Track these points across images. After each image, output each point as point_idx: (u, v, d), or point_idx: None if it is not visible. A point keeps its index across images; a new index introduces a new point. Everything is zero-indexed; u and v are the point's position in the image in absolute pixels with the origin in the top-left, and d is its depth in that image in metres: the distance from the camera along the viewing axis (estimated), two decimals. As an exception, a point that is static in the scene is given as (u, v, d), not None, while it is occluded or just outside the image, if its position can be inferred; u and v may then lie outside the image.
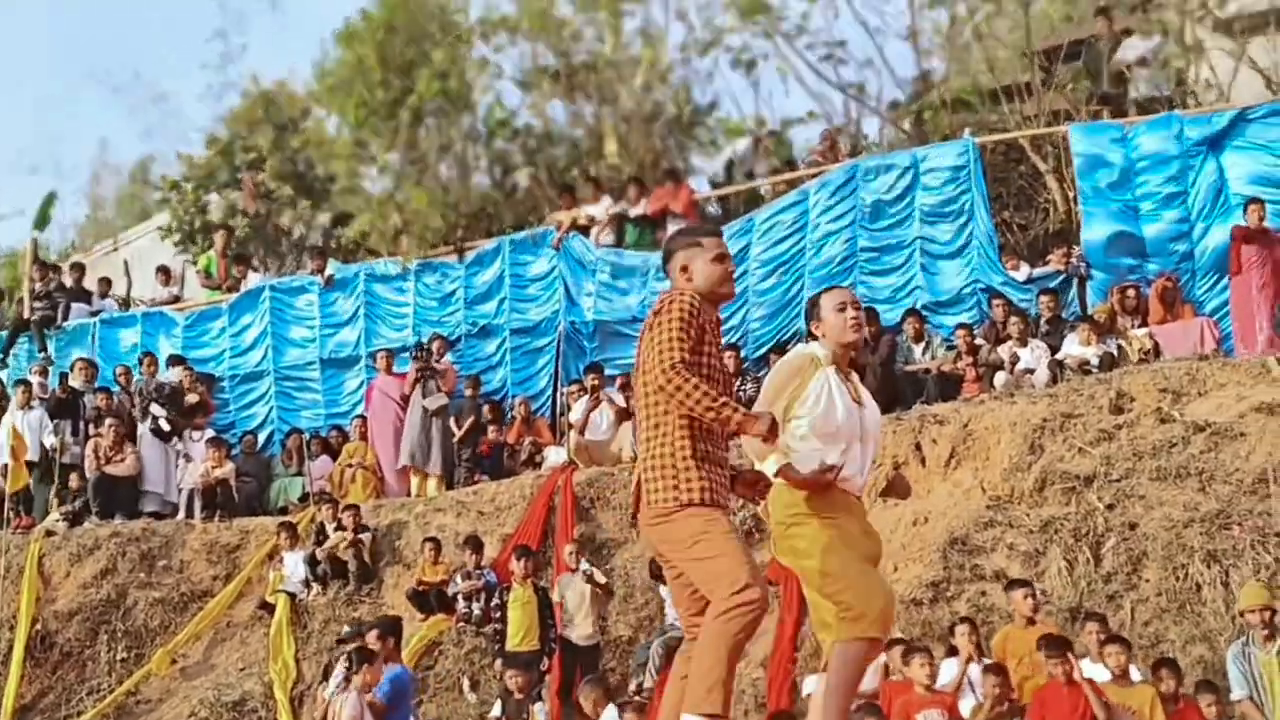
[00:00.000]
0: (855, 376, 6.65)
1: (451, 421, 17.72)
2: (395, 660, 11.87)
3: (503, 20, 21.43)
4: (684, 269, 6.04)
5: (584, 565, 14.15)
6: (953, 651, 11.69)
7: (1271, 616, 10.56)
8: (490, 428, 17.69)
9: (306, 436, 18.94)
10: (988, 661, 11.50)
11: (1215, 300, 16.02)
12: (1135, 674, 10.92)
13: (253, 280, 21.11)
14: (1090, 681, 10.55)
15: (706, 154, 22.25)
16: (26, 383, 19.42)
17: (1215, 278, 16.03)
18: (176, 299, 22.19)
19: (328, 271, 20.17)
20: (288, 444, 19.11)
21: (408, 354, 18.65)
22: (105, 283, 22.93)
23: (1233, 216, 15.84)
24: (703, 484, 5.75)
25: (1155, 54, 18.13)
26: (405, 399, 18.09)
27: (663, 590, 13.76)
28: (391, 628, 12.05)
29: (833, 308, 6.57)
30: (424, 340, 18.59)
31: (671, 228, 18.36)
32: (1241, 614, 10.93)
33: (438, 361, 18.12)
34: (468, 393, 17.96)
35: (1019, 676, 11.15)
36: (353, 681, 11.53)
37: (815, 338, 6.65)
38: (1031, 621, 11.49)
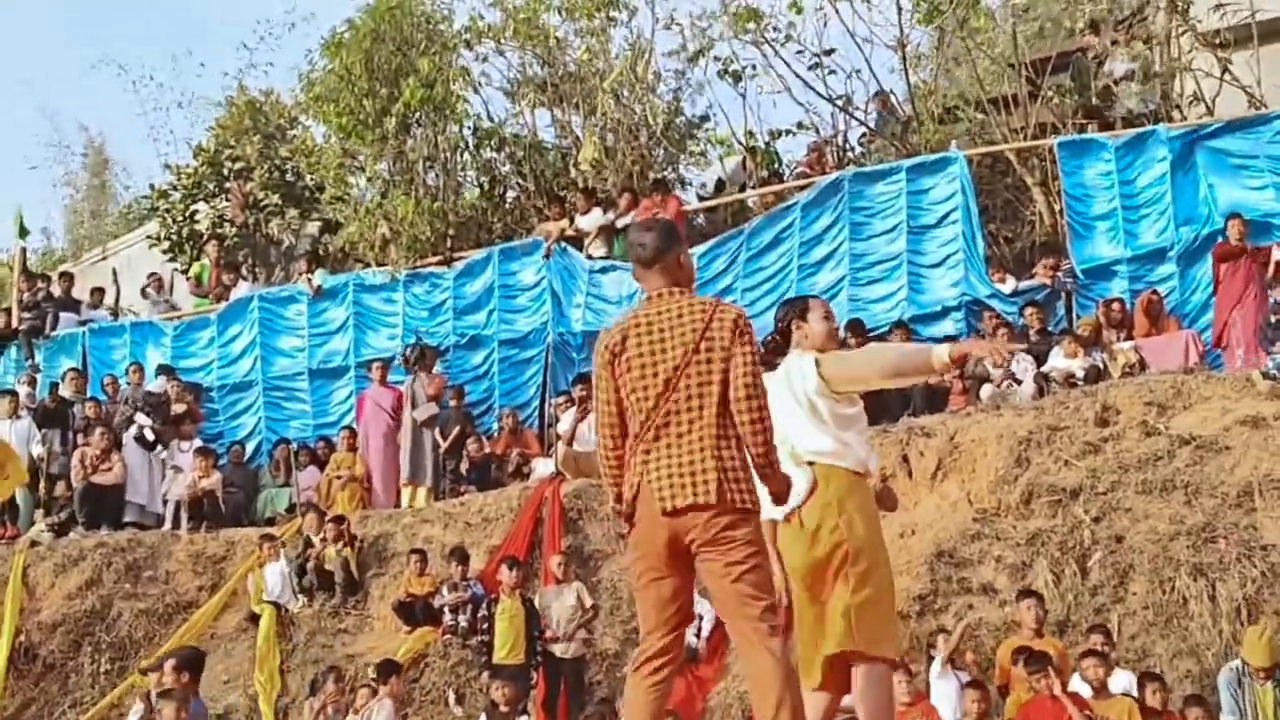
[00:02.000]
0: None
1: (437, 432, 17.72)
2: (193, 694, 11.31)
3: (489, 29, 21.44)
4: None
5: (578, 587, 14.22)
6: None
7: (1276, 669, 10.49)
8: (470, 439, 17.66)
9: (294, 447, 18.90)
10: (967, 676, 11.53)
11: (1204, 314, 16.05)
12: (1119, 684, 10.95)
13: (242, 290, 21.09)
14: (1074, 695, 10.57)
15: (698, 165, 22.26)
16: (14, 393, 19.37)
17: (1199, 292, 16.07)
18: (172, 307, 22.19)
19: (316, 281, 20.14)
20: (275, 455, 19.07)
21: (398, 362, 18.64)
22: (98, 292, 22.90)
23: (1216, 230, 15.90)
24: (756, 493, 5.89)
25: (1141, 68, 18.17)
26: (397, 411, 18.11)
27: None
28: (190, 660, 11.49)
29: (820, 315, 6.75)
30: (415, 341, 18.63)
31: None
32: (1244, 662, 10.88)
33: (430, 362, 18.20)
34: (452, 403, 17.94)
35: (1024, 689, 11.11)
36: (383, 690, 13.19)
37: (784, 335, 6.82)
38: (1039, 634, 11.51)
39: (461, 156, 21.64)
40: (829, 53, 20.65)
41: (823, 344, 6.58)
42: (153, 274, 22.91)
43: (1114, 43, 18.86)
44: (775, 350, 6.83)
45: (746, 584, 5.75)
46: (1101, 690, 10.73)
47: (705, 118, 21.98)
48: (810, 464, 6.42)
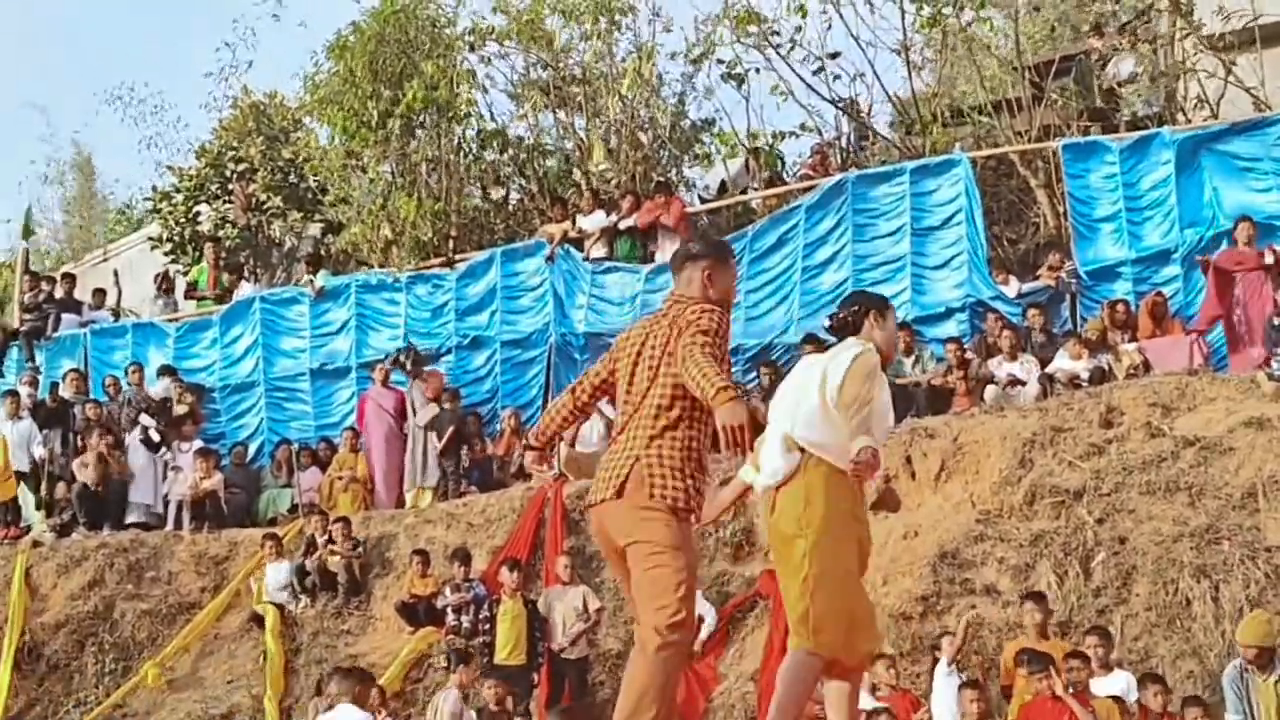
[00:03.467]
0: None
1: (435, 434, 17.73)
2: None
3: (492, 30, 21.44)
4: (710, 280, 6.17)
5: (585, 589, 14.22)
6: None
7: (1270, 655, 10.44)
8: (474, 440, 17.65)
9: (296, 448, 18.88)
10: (965, 676, 11.52)
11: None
12: (1118, 685, 10.93)
13: (244, 291, 21.09)
14: (1079, 695, 10.55)
15: (703, 166, 22.25)
16: (15, 393, 19.38)
17: (1204, 294, 16.05)
18: (175, 308, 22.20)
19: (318, 282, 20.13)
20: (276, 455, 19.05)
21: (387, 365, 18.60)
22: (100, 294, 22.91)
23: (1221, 232, 15.89)
24: (690, 494, 5.83)
25: (1146, 71, 18.18)
26: (399, 412, 18.12)
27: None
28: None
29: (894, 321, 6.79)
30: (406, 346, 18.64)
31: (662, 240, 18.40)
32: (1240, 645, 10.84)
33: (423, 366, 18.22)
34: (447, 405, 17.88)
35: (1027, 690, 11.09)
36: (451, 680, 13.18)
37: (853, 324, 6.68)
38: (1044, 636, 11.50)
39: (465, 158, 21.65)
40: (834, 56, 20.64)
41: (887, 350, 6.58)
42: (159, 274, 22.91)
43: (1118, 46, 18.88)
44: (836, 328, 6.77)
45: (646, 584, 5.73)
46: (1084, 692, 10.71)
47: (711, 121, 21.97)
48: (801, 450, 6.31)
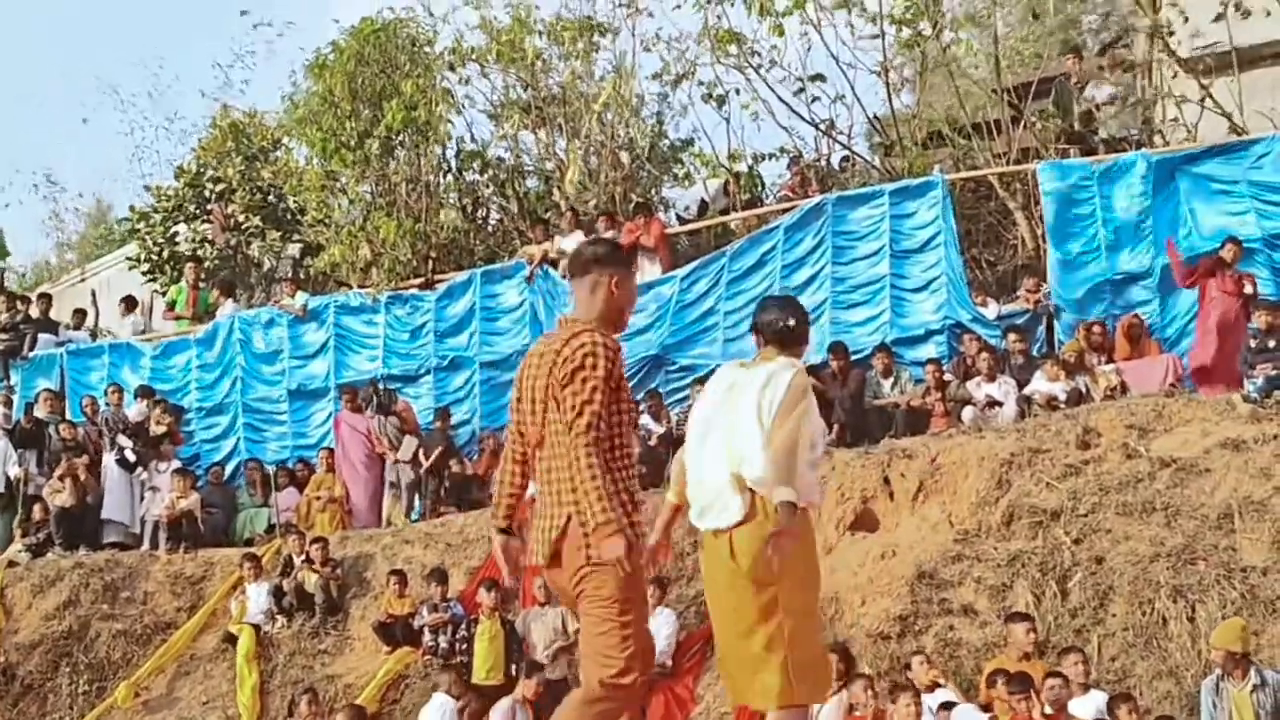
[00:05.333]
0: None
1: (421, 453, 17.68)
2: None
3: (471, 51, 21.44)
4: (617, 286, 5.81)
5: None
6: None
7: (1238, 659, 10.50)
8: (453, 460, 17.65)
9: (272, 469, 18.82)
10: (948, 698, 11.51)
11: (1185, 338, 16.08)
12: (1090, 705, 10.95)
13: (228, 309, 21.01)
14: (1058, 716, 10.57)
15: (682, 187, 22.28)
16: (-11, 413, 19.32)
17: (1180, 316, 16.12)
18: (143, 330, 22.12)
19: (299, 302, 20.06)
20: (250, 475, 18.97)
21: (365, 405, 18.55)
22: (79, 314, 22.82)
23: (1197, 254, 15.93)
24: (626, 518, 5.57)
25: (1123, 94, 18.27)
26: (372, 434, 18.10)
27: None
28: None
29: (813, 338, 6.54)
30: (370, 383, 18.62)
31: (643, 261, 18.41)
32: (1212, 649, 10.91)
33: (393, 404, 18.21)
34: (437, 425, 17.89)
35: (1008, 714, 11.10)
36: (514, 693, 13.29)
37: (796, 336, 6.36)
38: (1027, 656, 11.51)
39: (444, 179, 21.64)
40: (815, 79, 20.69)
41: (804, 366, 6.29)
42: (126, 297, 22.83)
43: (1097, 68, 18.97)
44: (786, 337, 6.36)
45: (592, 640, 5.63)
46: (1061, 713, 10.73)
47: (690, 141, 22.02)
48: (751, 491, 6.01)
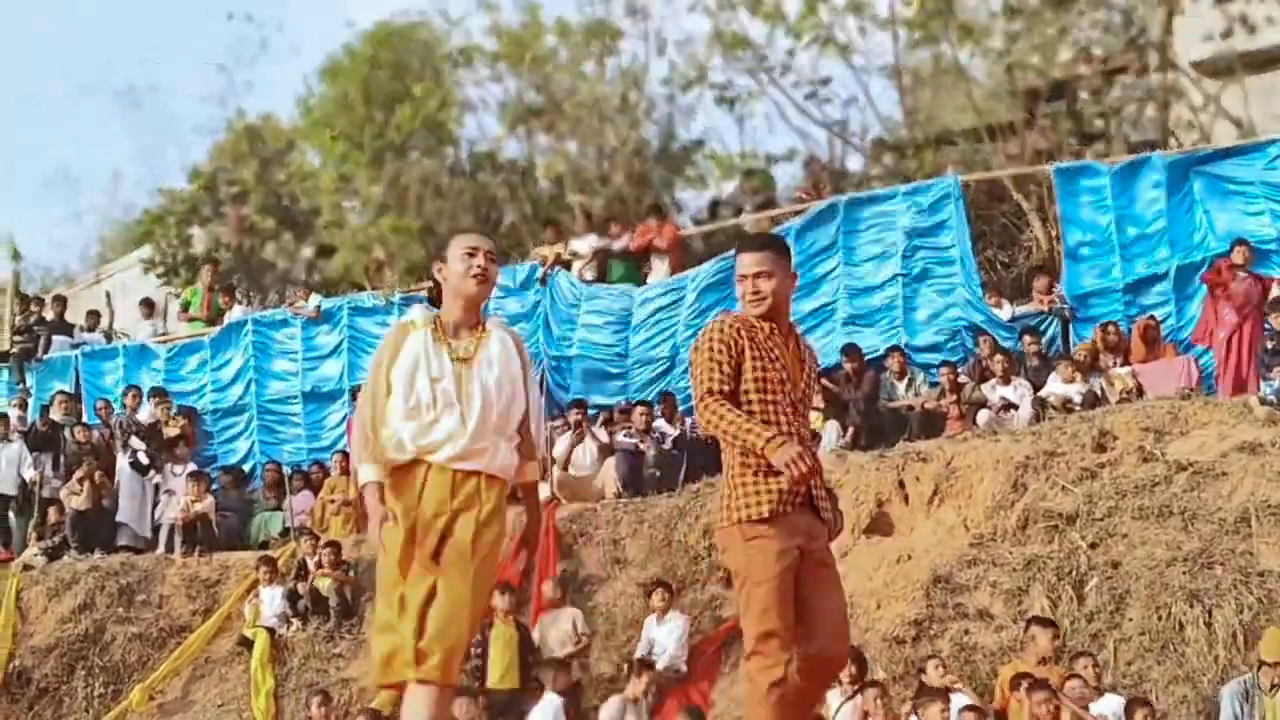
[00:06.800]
0: (485, 334, 5.92)
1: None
2: None
3: (479, 50, 21.47)
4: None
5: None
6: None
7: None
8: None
9: (287, 471, 18.83)
10: (967, 700, 11.48)
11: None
12: (1107, 707, 10.94)
13: (236, 313, 21.04)
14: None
15: (695, 189, 22.31)
16: (4, 416, 19.34)
17: (1197, 316, 16.07)
18: (164, 330, 22.16)
19: (312, 303, 20.06)
20: (266, 477, 18.99)
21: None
22: (94, 315, 22.86)
23: (1212, 255, 15.90)
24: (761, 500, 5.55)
25: (1136, 96, 18.24)
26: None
27: (651, 629, 13.79)
28: None
29: (461, 252, 5.89)
30: None
31: (655, 263, 18.42)
32: (1261, 664, 10.83)
33: None
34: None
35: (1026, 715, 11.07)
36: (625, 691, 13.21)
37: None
38: (1045, 661, 11.48)
39: (456, 180, 21.67)
40: (825, 82, 20.70)
41: (460, 286, 5.91)
42: (145, 300, 22.87)
43: (1105, 72, 18.95)
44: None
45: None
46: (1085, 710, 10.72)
47: (700, 142, 22.03)
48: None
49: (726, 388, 5.58)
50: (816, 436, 15.81)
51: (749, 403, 5.59)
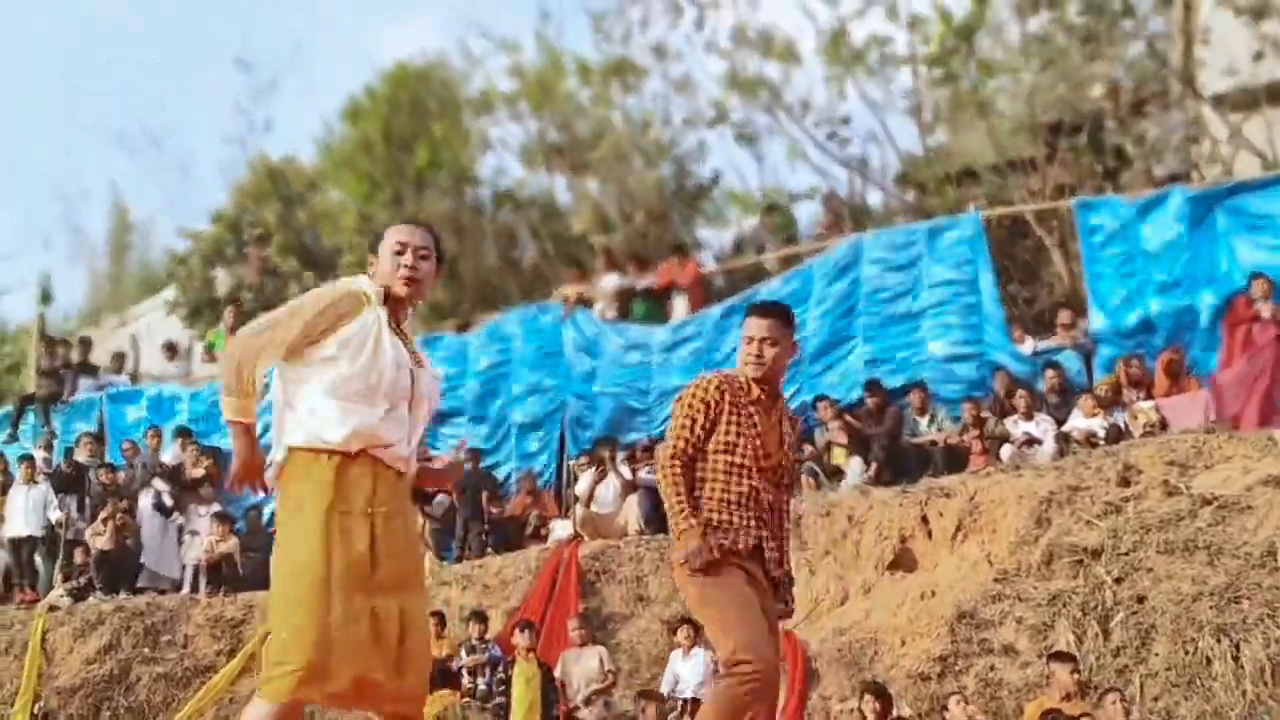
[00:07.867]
0: (412, 336, 5.44)
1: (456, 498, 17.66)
2: None
3: (500, 95, 21.62)
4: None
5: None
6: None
7: None
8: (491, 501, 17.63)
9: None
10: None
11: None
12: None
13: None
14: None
15: (715, 227, 22.39)
16: (30, 458, 19.42)
17: (1220, 350, 16.03)
18: (188, 372, 22.28)
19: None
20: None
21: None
22: (119, 358, 22.97)
23: (1236, 290, 15.86)
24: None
25: (1160, 130, 18.26)
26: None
27: (676, 664, 13.73)
28: None
29: (391, 248, 5.30)
30: None
31: (677, 302, 18.46)
32: None
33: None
34: (468, 466, 17.86)
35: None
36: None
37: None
38: (1069, 697, 11.43)
39: (478, 220, 21.78)
40: (845, 121, 20.79)
41: (390, 282, 5.35)
42: (168, 343, 23.00)
43: (1131, 105, 18.97)
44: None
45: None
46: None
47: (716, 179, 22.11)
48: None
49: (692, 450, 6.06)
50: (840, 472, 15.83)
51: (715, 462, 6.07)
